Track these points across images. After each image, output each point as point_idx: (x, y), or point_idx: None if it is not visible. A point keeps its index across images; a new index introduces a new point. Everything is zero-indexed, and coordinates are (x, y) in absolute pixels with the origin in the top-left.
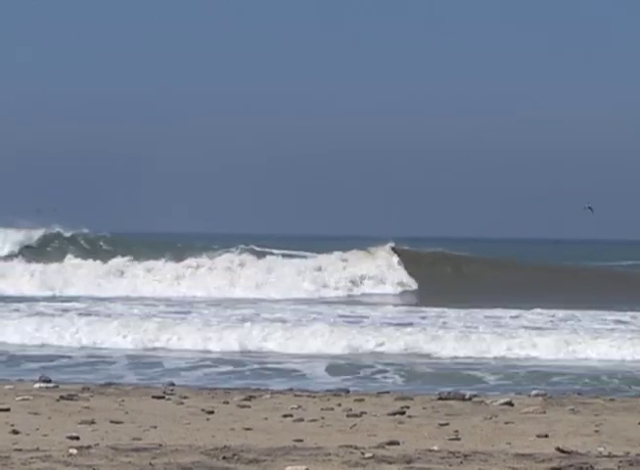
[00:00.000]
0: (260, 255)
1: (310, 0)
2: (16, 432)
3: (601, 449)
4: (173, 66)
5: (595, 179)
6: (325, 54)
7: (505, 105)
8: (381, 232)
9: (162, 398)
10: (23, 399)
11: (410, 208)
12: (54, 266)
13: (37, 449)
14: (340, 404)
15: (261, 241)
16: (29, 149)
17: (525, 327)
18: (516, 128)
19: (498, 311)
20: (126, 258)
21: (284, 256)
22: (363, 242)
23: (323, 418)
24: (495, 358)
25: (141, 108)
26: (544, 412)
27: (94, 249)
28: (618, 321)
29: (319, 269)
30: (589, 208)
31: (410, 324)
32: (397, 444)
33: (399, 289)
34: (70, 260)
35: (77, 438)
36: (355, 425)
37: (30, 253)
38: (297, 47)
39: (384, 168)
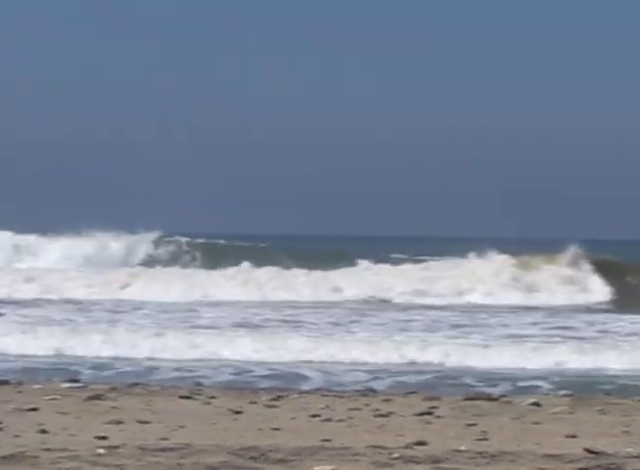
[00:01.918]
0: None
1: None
2: (44, 431)
3: (630, 450)
4: (172, 63)
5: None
6: (324, 52)
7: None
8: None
9: (190, 398)
10: (52, 399)
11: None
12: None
13: (65, 449)
14: (367, 404)
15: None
16: (29, 147)
17: None
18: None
19: None
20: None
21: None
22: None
23: (351, 418)
24: None
25: (140, 106)
26: (572, 413)
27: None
28: None
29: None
30: None
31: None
32: (425, 444)
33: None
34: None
35: (105, 437)
36: (383, 425)
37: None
38: (296, 46)
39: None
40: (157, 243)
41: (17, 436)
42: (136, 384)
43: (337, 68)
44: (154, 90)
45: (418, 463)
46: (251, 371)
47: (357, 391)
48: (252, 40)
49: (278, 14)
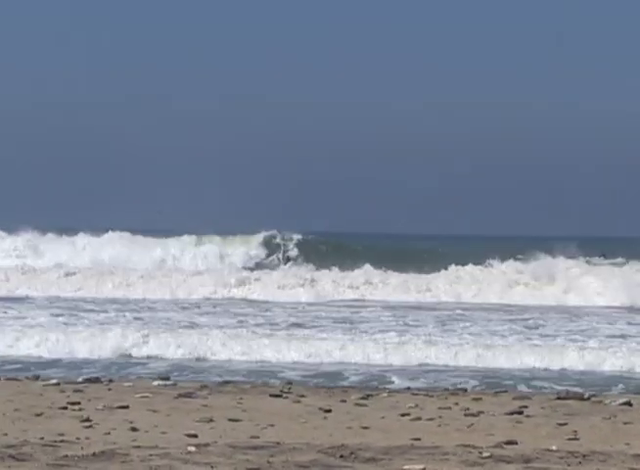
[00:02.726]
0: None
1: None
2: (135, 429)
3: None
4: (172, 63)
5: None
6: (321, 46)
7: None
8: None
9: (280, 396)
10: (142, 397)
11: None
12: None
13: (156, 447)
14: (457, 403)
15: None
16: (30, 147)
17: None
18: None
19: None
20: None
21: None
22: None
23: (440, 417)
24: None
25: (140, 106)
26: None
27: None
28: None
29: None
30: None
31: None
32: (515, 443)
33: None
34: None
35: (195, 435)
36: (473, 424)
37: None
38: (296, 48)
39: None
40: (268, 243)
41: (107, 433)
42: (227, 382)
43: (338, 68)
44: (154, 90)
45: (508, 463)
46: (340, 369)
47: (447, 389)
48: (252, 41)
49: (279, 14)
